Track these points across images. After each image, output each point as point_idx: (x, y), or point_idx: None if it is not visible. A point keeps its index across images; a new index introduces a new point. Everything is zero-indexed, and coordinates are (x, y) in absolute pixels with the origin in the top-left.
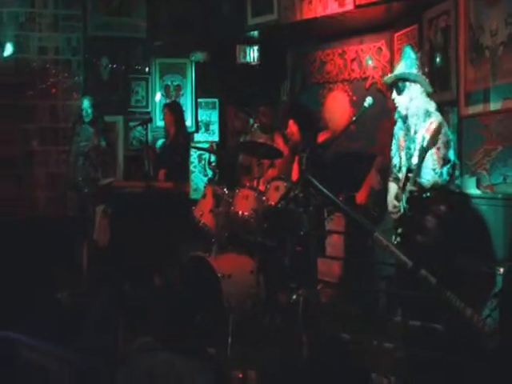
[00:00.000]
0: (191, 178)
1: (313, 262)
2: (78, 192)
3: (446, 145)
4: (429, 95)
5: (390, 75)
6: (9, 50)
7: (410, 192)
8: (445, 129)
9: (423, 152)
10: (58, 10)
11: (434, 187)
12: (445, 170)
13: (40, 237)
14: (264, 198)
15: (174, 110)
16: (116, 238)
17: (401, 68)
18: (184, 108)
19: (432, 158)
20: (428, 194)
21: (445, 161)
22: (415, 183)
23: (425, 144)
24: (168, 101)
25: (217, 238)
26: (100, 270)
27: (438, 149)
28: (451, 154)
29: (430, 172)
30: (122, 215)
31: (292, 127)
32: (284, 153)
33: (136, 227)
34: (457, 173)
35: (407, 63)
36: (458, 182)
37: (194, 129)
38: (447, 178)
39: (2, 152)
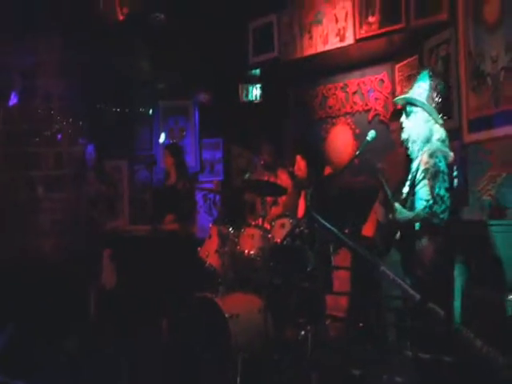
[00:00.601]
0: (197, 218)
1: (320, 298)
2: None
3: (434, 176)
4: (440, 124)
5: (400, 96)
6: (14, 99)
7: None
8: (434, 160)
9: (413, 181)
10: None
11: (416, 219)
12: (429, 203)
13: (46, 283)
14: (270, 235)
15: (173, 152)
16: (123, 281)
17: (412, 92)
18: (188, 148)
19: (425, 188)
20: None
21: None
22: (393, 213)
23: (417, 174)
24: (171, 142)
25: (223, 278)
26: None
27: (429, 179)
28: (438, 187)
29: (423, 203)
30: (129, 258)
31: (300, 163)
32: (288, 189)
33: (143, 270)
34: (442, 206)
35: (419, 88)
36: (443, 216)
37: (198, 169)
38: (427, 211)
39: (7, 199)
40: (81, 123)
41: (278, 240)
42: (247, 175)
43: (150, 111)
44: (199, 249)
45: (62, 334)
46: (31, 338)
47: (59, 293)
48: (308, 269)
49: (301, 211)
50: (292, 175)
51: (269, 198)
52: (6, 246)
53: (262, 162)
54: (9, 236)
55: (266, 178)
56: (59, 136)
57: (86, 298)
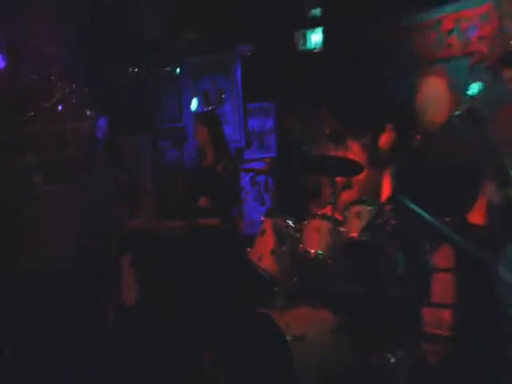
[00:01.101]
0: (243, 208)
1: (415, 310)
2: (102, 239)
3: None
4: None
5: None
6: (1, 62)
7: None
8: None
9: None
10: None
11: None
12: None
13: (48, 301)
14: (342, 229)
15: (209, 122)
16: (148, 296)
17: None
18: (229, 117)
19: None
20: None
21: None
22: None
23: None
24: (206, 110)
25: (282, 287)
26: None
27: None
28: None
29: None
30: (156, 266)
31: (389, 134)
32: (364, 166)
33: (174, 280)
34: None
35: None
36: None
37: (243, 144)
38: None
39: None
40: (88, 90)
41: (354, 234)
42: (308, 149)
43: (178, 70)
44: (249, 249)
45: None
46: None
47: (65, 313)
48: (397, 272)
49: (384, 194)
50: (368, 147)
51: (339, 179)
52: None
53: (328, 131)
54: (2, 241)
55: (333, 153)
56: (60, 108)
57: (100, 319)
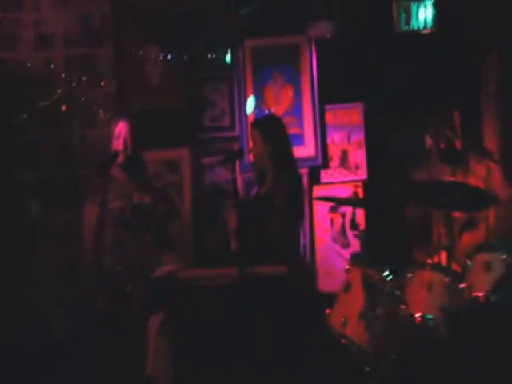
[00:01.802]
0: (318, 253)
1: None
2: (114, 292)
3: None
4: None
5: None
6: None
7: None
8: None
9: None
10: None
11: None
12: None
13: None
14: (462, 285)
15: (268, 131)
16: (186, 373)
17: None
18: (299, 124)
19: None
20: None
21: None
22: None
23: None
24: (266, 113)
25: (375, 365)
26: None
27: None
28: None
29: None
30: (196, 330)
31: None
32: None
33: (223, 352)
34: None
35: None
36: None
37: (319, 161)
38: None
39: None
40: (103, 83)
41: (480, 293)
42: (413, 170)
43: (228, 58)
44: (328, 311)
45: None
46: None
47: None
48: None
49: None
50: (500, 169)
51: (457, 214)
52: None
53: (442, 147)
54: None
55: (449, 177)
56: (64, 108)
57: None
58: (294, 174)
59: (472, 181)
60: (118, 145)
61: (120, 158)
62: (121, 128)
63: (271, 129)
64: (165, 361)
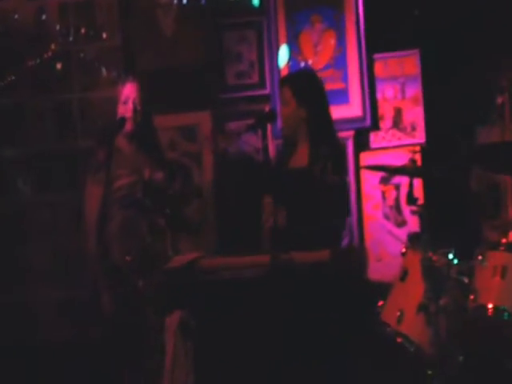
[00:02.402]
0: (368, 233)
1: None
2: (124, 288)
3: None
4: None
5: None
6: None
7: None
8: None
9: None
10: None
11: None
12: None
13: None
14: None
15: (303, 90)
16: (209, 380)
17: None
18: (343, 78)
19: None
20: None
21: None
22: None
23: None
24: (303, 67)
25: (439, 367)
26: None
27: None
28: None
29: None
30: (222, 331)
31: None
32: None
33: (253, 354)
34: None
35: None
36: None
37: (368, 123)
38: None
39: None
40: (105, 36)
41: None
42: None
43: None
44: (380, 304)
45: None
46: None
47: None
48: None
49: None
50: None
51: None
52: None
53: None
54: None
55: None
56: (60, 66)
57: None
58: (335, 146)
59: None
60: (125, 111)
61: (128, 127)
62: (129, 91)
63: (307, 87)
64: (185, 367)
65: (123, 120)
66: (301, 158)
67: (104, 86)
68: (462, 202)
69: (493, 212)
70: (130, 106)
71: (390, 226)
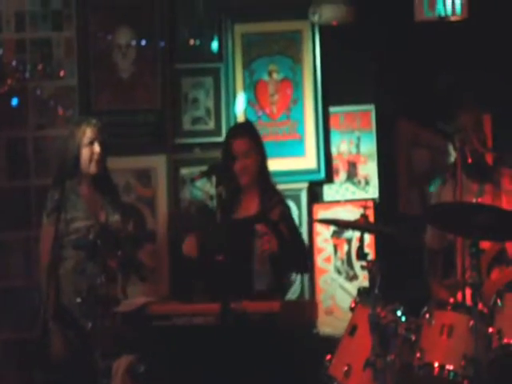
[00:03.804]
0: (317, 286)
1: None
2: (73, 330)
3: None
4: None
5: None
6: None
7: None
8: None
9: None
10: None
11: None
12: None
13: None
14: (491, 329)
15: (257, 139)
16: None
17: None
18: (299, 128)
19: None
20: None
21: None
22: None
23: None
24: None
25: None
26: None
27: None
28: None
29: None
30: (171, 377)
31: None
32: None
33: None
34: None
35: None
36: None
37: (322, 175)
38: None
39: None
40: (62, 74)
41: None
42: (433, 187)
43: (214, 46)
44: (328, 357)
45: None
46: None
47: None
48: None
49: None
50: None
51: (485, 244)
52: None
53: (470, 160)
54: None
55: (476, 198)
56: (16, 103)
57: None
58: (281, 195)
59: (504, 203)
60: (91, 153)
61: (92, 169)
62: (93, 133)
63: (260, 137)
64: None
65: (78, 162)
66: (253, 204)
67: (59, 125)
68: (413, 258)
69: (444, 272)
70: (97, 148)
71: (341, 280)
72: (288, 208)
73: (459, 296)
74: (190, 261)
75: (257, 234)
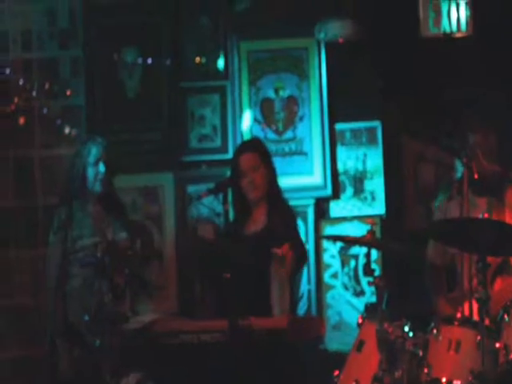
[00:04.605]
0: (325, 302)
1: None
2: (81, 348)
3: None
4: None
5: None
6: None
7: None
8: None
9: None
10: None
11: None
12: None
13: None
14: (498, 345)
15: (265, 154)
16: None
17: None
18: (306, 145)
19: None
20: None
21: None
22: None
23: None
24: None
25: None
26: None
27: None
28: None
29: None
30: None
31: None
32: None
33: None
34: None
35: None
36: None
37: (328, 192)
38: None
39: None
40: (69, 93)
41: None
42: (438, 203)
43: (220, 64)
44: (336, 374)
45: None
46: None
47: None
48: None
49: None
50: None
51: (491, 259)
52: None
53: (476, 176)
54: None
55: (483, 214)
56: (22, 121)
57: None
58: (291, 209)
59: (508, 218)
60: (97, 172)
61: (99, 188)
62: (100, 152)
63: (268, 151)
64: None
65: (85, 181)
66: (257, 221)
67: (66, 144)
68: (419, 274)
69: (450, 287)
70: (102, 168)
71: (348, 296)
72: (294, 217)
73: (465, 310)
74: (203, 247)
75: (274, 257)
